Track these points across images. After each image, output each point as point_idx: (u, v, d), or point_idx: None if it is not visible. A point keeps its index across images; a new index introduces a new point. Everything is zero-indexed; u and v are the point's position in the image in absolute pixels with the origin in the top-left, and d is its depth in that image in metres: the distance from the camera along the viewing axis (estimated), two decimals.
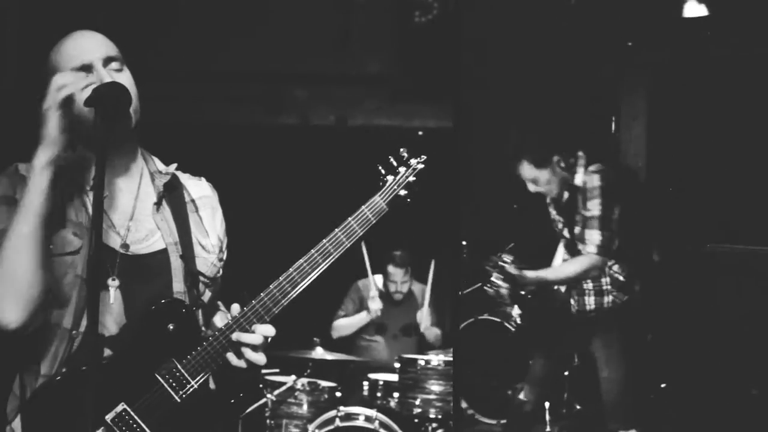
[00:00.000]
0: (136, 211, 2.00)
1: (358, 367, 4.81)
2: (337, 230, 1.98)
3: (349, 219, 1.99)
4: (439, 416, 4.31)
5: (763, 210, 4.15)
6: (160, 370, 1.88)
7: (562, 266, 3.88)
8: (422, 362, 4.40)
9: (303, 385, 4.38)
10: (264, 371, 4.53)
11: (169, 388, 1.88)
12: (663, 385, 4.20)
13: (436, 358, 4.42)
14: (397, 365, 4.52)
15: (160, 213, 2.02)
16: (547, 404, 4.49)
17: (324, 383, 4.46)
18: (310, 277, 1.95)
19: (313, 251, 1.96)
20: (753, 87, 4.30)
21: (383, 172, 2.05)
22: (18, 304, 1.79)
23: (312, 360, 4.43)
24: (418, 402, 4.36)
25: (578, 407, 4.59)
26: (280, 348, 4.54)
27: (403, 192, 2.02)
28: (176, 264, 1.99)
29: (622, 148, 4.78)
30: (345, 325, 5.12)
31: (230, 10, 4.58)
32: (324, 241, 1.97)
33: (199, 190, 2.14)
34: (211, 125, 4.60)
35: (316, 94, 4.97)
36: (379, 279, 5.24)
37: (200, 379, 1.91)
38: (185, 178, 2.14)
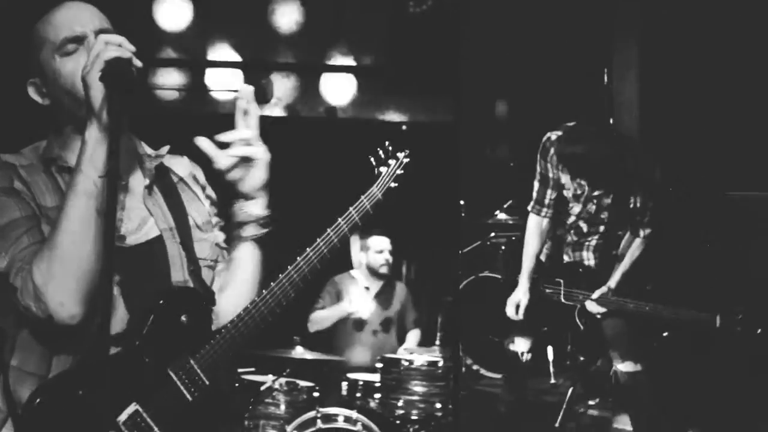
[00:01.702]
0: (126, 199, 1.86)
1: (336, 367, 4.69)
2: (340, 220, 1.97)
3: (350, 209, 1.99)
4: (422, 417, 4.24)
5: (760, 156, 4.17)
6: (172, 366, 1.74)
7: (631, 255, 3.74)
8: (405, 362, 4.32)
9: (281, 384, 4.25)
10: (240, 370, 4.39)
11: (181, 386, 1.74)
12: (665, 334, 4.22)
13: (420, 359, 4.34)
14: (379, 365, 4.42)
15: (152, 197, 1.89)
16: (550, 356, 4.56)
17: (302, 383, 4.34)
18: (317, 264, 1.92)
19: (318, 240, 1.93)
20: (745, 33, 4.34)
21: (374, 163, 2.10)
22: (79, 296, 1.63)
23: (292, 359, 4.29)
24: (400, 403, 4.27)
25: (582, 359, 4.65)
26: (258, 347, 4.41)
27: (393, 184, 2.08)
28: (173, 251, 1.86)
29: (616, 101, 4.78)
30: (323, 317, 4.96)
31: None
32: (329, 230, 1.95)
33: (183, 168, 2.03)
34: (198, 116, 4.43)
35: (306, 85, 4.83)
36: (356, 274, 5.14)
37: (213, 375, 1.77)
38: (167, 159, 2.01)
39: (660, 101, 4.71)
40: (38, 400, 1.64)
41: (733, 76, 4.40)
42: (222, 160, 1.85)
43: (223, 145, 1.86)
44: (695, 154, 3.89)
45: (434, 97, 4.45)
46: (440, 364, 4.36)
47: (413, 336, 5.12)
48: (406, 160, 2.11)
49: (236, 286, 1.93)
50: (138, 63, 1.69)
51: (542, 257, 3.87)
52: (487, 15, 4.59)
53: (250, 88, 1.88)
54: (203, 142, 1.85)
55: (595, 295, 3.66)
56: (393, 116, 4.87)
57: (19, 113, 2.00)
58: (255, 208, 1.91)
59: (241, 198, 1.91)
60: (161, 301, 1.76)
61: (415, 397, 4.27)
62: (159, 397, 1.71)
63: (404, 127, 4.87)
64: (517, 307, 3.80)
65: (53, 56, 1.76)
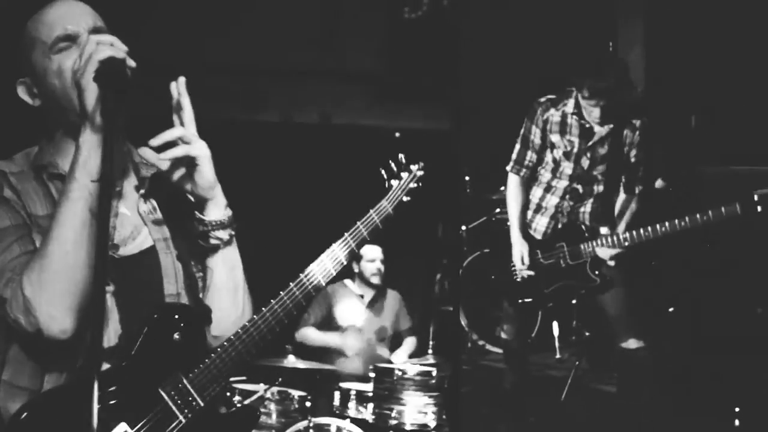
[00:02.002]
0: (120, 206, 1.80)
1: (329, 376, 4.63)
2: (347, 235, 1.91)
3: (358, 223, 1.93)
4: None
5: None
6: (164, 386, 1.69)
7: (630, 210, 3.73)
8: (399, 372, 4.27)
9: (272, 393, 4.19)
10: (232, 379, 4.34)
11: (173, 407, 1.68)
12: (671, 309, 4.19)
13: (413, 368, 4.29)
14: (372, 375, 4.37)
15: (146, 206, 1.84)
16: (555, 332, 4.57)
17: (294, 392, 4.29)
18: (329, 275, 1.86)
19: (323, 256, 1.87)
20: (752, 7, 4.31)
21: (386, 176, 2.04)
22: (71, 309, 1.57)
23: (284, 368, 4.24)
24: (393, 413, 4.21)
25: (587, 333, 4.60)
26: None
27: (406, 198, 2.01)
28: (167, 263, 1.80)
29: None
30: (314, 338, 4.92)
31: (213, 1, 4.37)
32: (334, 246, 1.89)
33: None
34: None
35: (300, 90, 4.77)
36: (349, 283, 5.10)
37: (207, 396, 1.71)
38: None
39: (666, 76, 4.68)
40: (23, 417, 1.59)
41: (741, 49, 4.37)
42: (161, 164, 1.73)
43: (164, 148, 1.71)
44: (702, 130, 3.85)
45: (432, 102, 4.40)
46: (434, 373, 4.31)
47: (407, 346, 5.07)
48: (420, 173, 2.04)
49: (213, 296, 1.81)
50: (131, 62, 1.64)
51: (537, 235, 3.84)
52: None
53: (182, 80, 1.74)
54: (146, 152, 1.72)
55: (605, 232, 3.62)
56: (388, 122, 4.84)
57: (9, 118, 1.94)
58: (214, 211, 1.77)
59: (196, 203, 1.79)
60: (153, 318, 1.70)
61: (409, 407, 4.22)
62: (150, 418, 1.66)
63: (397, 134, 4.82)
64: (522, 258, 3.76)
65: (45, 55, 1.71)
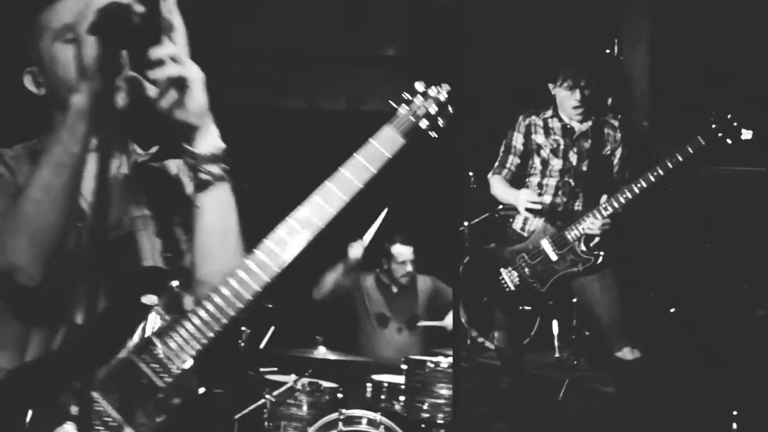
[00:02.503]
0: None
1: (361, 368, 4.55)
2: (342, 169, 1.68)
3: (355, 155, 1.68)
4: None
5: None
6: (136, 351, 1.62)
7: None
8: (431, 364, 4.16)
9: (303, 385, 4.14)
10: (263, 370, 4.31)
11: (149, 371, 1.62)
12: (672, 310, 4.11)
13: (446, 360, 4.17)
14: (404, 367, 4.27)
15: (131, 188, 1.79)
16: (555, 330, 4.62)
17: (325, 384, 4.22)
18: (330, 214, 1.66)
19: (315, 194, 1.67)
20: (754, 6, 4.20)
21: (395, 105, 1.76)
22: (37, 264, 1.52)
23: (314, 360, 4.18)
24: (425, 406, 4.11)
25: (587, 333, 4.60)
26: (280, 347, 4.32)
27: (424, 123, 1.71)
28: (142, 240, 1.75)
29: (626, 72, 4.78)
30: (325, 281, 4.76)
31: None
32: (327, 183, 1.67)
33: (174, 166, 1.90)
34: (213, 109, 4.43)
35: (327, 76, 4.70)
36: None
37: (186, 360, 1.64)
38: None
39: (671, 74, 4.56)
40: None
41: (747, 45, 4.21)
42: (150, 89, 1.58)
43: (155, 66, 1.56)
44: (707, 128, 3.73)
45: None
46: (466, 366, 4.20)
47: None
48: (444, 97, 1.73)
49: (200, 236, 1.67)
50: (140, 8, 1.46)
51: (524, 231, 3.79)
52: None
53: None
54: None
55: (603, 199, 3.54)
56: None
57: (10, 117, 1.94)
58: (204, 141, 1.62)
59: (186, 133, 1.64)
60: (124, 283, 1.64)
61: (441, 400, 4.11)
62: (124, 385, 1.60)
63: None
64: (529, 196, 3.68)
65: (52, 42, 1.69)
